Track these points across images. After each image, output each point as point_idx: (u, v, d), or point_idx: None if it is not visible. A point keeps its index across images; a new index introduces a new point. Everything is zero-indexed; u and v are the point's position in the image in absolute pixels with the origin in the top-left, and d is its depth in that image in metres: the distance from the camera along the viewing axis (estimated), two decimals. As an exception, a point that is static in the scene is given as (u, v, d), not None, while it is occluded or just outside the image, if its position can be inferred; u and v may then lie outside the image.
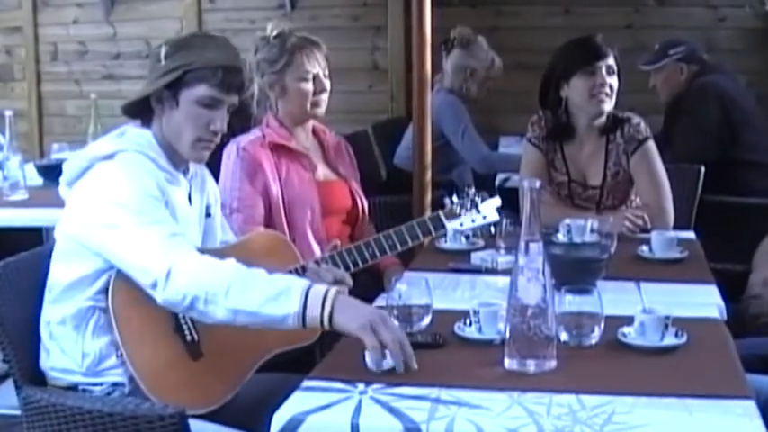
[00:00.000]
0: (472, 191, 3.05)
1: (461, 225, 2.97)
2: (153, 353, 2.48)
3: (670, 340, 2.39)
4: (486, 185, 5.10)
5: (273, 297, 2.29)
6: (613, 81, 3.70)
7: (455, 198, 3.02)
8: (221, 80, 2.58)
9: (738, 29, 6.38)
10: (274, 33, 3.49)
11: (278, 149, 3.45)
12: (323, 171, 3.58)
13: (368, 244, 2.85)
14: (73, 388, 2.56)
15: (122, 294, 2.49)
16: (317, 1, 6.84)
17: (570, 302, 2.40)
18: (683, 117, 5.06)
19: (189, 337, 2.53)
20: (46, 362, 2.61)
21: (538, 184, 2.22)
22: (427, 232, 2.93)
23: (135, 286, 2.46)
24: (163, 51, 2.62)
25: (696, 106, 5.03)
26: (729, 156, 4.98)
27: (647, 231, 3.53)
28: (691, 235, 3.66)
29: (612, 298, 2.52)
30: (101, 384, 2.54)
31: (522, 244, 2.23)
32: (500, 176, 5.16)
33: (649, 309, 2.44)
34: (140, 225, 2.44)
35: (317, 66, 3.49)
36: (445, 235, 3.01)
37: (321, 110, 3.54)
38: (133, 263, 2.43)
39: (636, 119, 3.78)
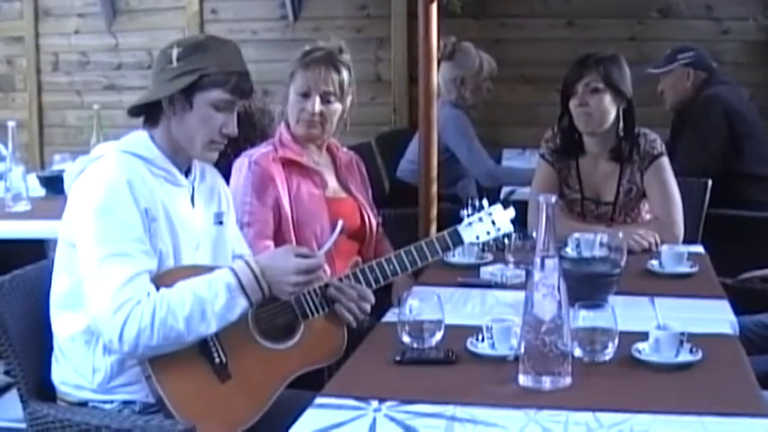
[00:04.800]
0: (485, 202, 3.02)
1: (477, 238, 2.94)
2: (183, 377, 2.47)
3: (685, 357, 2.37)
4: (490, 199, 5.12)
5: (225, 310, 2.46)
6: (593, 99, 3.67)
7: (470, 210, 2.99)
8: (235, 85, 2.60)
9: (742, 41, 6.38)
10: (314, 45, 3.45)
11: (289, 164, 3.40)
12: (333, 188, 3.53)
13: (389, 260, 2.82)
14: (83, 404, 2.54)
15: None
16: (320, 12, 6.83)
17: (584, 318, 2.38)
18: (688, 130, 5.02)
19: (217, 360, 2.52)
20: (57, 375, 2.59)
21: (553, 199, 2.19)
22: (446, 247, 2.91)
23: None
24: (175, 53, 2.58)
25: (702, 119, 4.99)
26: (733, 169, 4.93)
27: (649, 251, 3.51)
28: (699, 249, 3.63)
29: (624, 313, 2.50)
30: (111, 402, 2.52)
31: (538, 260, 2.20)
32: (505, 189, 5.12)
33: (664, 325, 2.42)
34: (100, 259, 2.41)
35: (313, 85, 3.37)
36: (462, 246, 2.99)
37: (314, 131, 3.42)
38: (88, 309, 2.43)
39: (652, 135, 3.76)
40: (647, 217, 3.80)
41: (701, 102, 5.07)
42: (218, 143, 2.65)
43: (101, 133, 5.02)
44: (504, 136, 6.47)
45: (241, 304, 2.49)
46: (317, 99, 3.37)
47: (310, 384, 2.69)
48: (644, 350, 2.40)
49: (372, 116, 6.65)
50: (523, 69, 6.51)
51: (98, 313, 2.39)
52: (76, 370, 2.54)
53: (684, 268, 3.27)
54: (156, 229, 2.52)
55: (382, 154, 5.93)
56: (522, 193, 5.03)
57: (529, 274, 3.10)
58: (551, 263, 2.19)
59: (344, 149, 3.66)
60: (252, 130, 3.79)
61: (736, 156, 4.98)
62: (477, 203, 3.03)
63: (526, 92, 6.55)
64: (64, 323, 2.55)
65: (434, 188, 4.25)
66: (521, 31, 6.59)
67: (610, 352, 2.38)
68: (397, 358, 2.40)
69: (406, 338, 2.48)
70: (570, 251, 3.42)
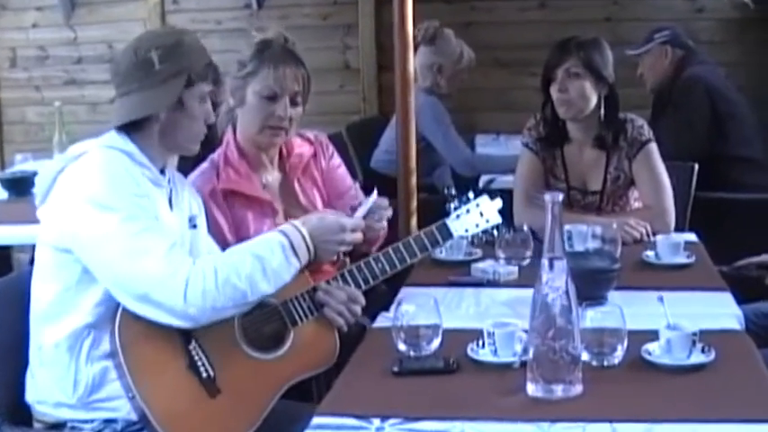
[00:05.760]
0: (471, 193, 2.89)
1: (466, 231, 2.81)
2: (169, 394, 2.34)
3: (698, 358, 2.25)
4: (468, 187, 4.99)
5: (282, 269, 2.46)
6: (573, 85, 3.53)
7: (456, 203, 2.85)
8: (214, 75, 2.59)
9: (717, 20, 6.27)
10: (263, 36, 3.09)
11: (232, 195, 3.04)
12: (284, 210, 3.14)
13: (377, 259, 2.68)
14: (60, 425, 2.42)
15: (130, 331, 2.34)
16: (286, 0, 6.65)
17: (592, 319, 2.24)
18: (670, 112, 4.93)
19: (204, 374, 2.40)
20: (33, 394, 2.46)
21: (560, 197, 2.06)
22: (435, 242, 2.77)
23: (143, 322, 2.33)
24: (156, 56, 2.47)
25: (684, 101, 4.90)
26: (717, 151, 4.85)
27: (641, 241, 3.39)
28: (692, 237, 3.51)
29: (625, 311, 2.33)
30: (91, 421, 2.40)
31: (546, 262, 2.06)
32: (484, 178, 4.98)
33: (674, 324, 2.29)
34: (135, 236, 2.33)
35: (283, 86, 3.01)
36: (452, 240, 2.85)
37: (278, 139, 3.09)
38: (138, 288, 2.31)
39: (639, 120, 3.63)
40: (636, 205, 3.67)
41: (681, 83, 4.98)
42: (203, 134, 2.60)
43: (63, 130, 4.85)
44: (478, 121, 6.32)
45: (294, 264, 2.49)
46: (288, 101, 3.05)
47: (297, 392, 2.57)
48: (654, 351, 2.28)
49: (341, 105, 6.50)
50: (495, 53, 6.35)
51: (156, 280, 2.30)
52: (57, 383, 2.41)
53: (682, 259, 3.15)
54: None
55: (354, 144, 5.76)
56: (503, 181, 4.89)
57: (522, 269, 3.03)
58: (560, 265, 2.05)
59: (301, 141, 3.24)
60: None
61: (720, 137, 4.89)
62: (462, 195, 2.89)
63: (499, 76, 6.41)
64: (49, 332, 2.42)
65: (414, 179, 4.12)
66: (492, 13, 6.43)
67: (619, 355, 2.25)
68: (395, 369, 2.25)
69: (401, 346, 2.34)
70: (561, 243, 3.29)
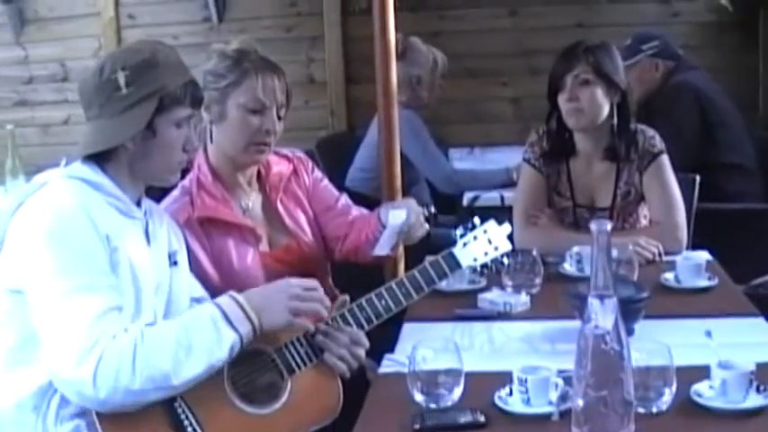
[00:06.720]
0: (477, 219, 2.64)
1: (475, 260, 2.56)
2: None
3: (756, 400, 2.00)
4: (448, 205, 4.75)
5: (212, 345, 2.14)
6: (584, 93, 3.29)
7: (461, 230, 2.60)
8: (192, 97, 2.33)
9: (692, 24, 6.09)
10: (235, 46, 2.82)
11: (209, 223, 2.77)
12: (267, 236, 2.89)
13: (380, 296, 2.43)
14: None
15: None
16: (246, 12, 6.36)
17: (636, 359, 1.98)
18: (658, 120, 4.67)
19: None
20: None
21: (608, 226, 1.79)
22: (442, 273, 2.53)
23: None
24: (122, 78, 2.22)
25: (672, 107, 4.69)
26: (706, 159, 4.63)
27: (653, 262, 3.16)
28: (707, 255, 3.25)
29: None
30: None
31: (595, 301, 1.80)
32: (468, 195, 4.74)
33: (725, 362, 2.04)
34: (66, 293, 2.06)
35: (271, 98, 2.77)
36: (459, 270, 2.59)
37: (262, 157, 2.85)
38: (52, 352, 2.06)
39: (650, 131, 3.39)
40: (645, 223, 3.43)
41: (669, 90, 4.78)
42: (182, 162, 2.38)
43: (16, 155, 4.54)
44: (449, 134, 6.07)
45: (229, 336, 2.16)
46: (275, 114, 2.79)
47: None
48: (705, 393, 2.03)
49: (307, 121, 6.21)
50: (466, 63, 6.10)
51: (66, 355, 2.01)
52: None
53: (704, 281, 2.90)
54: (117, 260, 2.16)
55: (324, 160, 5.49)
56: (488, 198, 4.67)
57: (533, 298, 2.78)
58: (610, 303, 1.79)
59: (276, 158, 3.00)
60: None
61: (710, 144, 4.70)
62: (467, 221, 2.65)
63: (470, 86, 6.17)
64: (9, 391, 2.16)
65: (399, 199, 3.85)
66: (461, 22, 6.19)
67: (667, 400, 2.00)
68: (417, 426, 1.98)
69: (419, 397, 2.07)
70: (569, 267, 3.05)
